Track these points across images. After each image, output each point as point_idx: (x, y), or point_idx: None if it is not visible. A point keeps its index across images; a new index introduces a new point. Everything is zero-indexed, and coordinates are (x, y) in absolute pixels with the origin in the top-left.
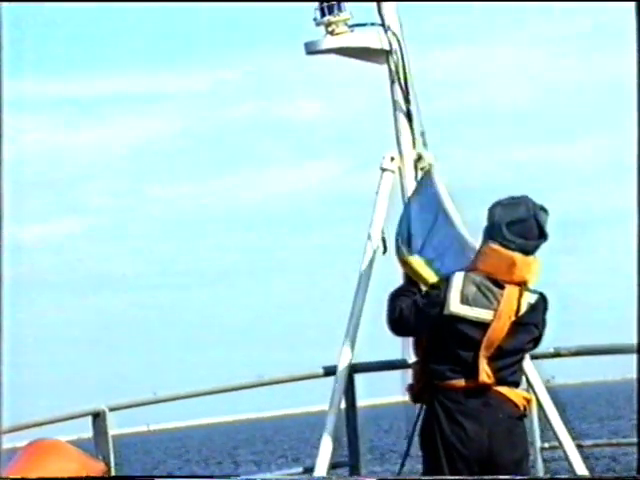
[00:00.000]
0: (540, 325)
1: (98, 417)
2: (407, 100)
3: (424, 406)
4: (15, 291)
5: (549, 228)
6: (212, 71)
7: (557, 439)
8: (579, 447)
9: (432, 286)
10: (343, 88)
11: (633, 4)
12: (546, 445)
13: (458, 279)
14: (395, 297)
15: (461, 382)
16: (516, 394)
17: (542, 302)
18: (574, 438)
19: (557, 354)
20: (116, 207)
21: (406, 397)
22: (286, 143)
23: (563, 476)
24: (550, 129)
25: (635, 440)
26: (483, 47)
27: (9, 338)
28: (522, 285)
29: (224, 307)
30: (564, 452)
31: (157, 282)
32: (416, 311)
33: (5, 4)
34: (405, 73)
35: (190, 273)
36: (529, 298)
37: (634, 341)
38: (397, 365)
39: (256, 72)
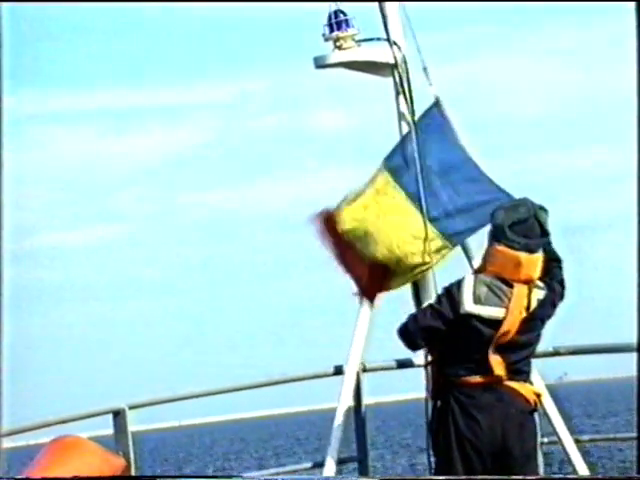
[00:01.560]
0: (547, 318)
1: (118, 415)
2: (412, 112)
3: (438, 402)
4: (52, 295)
5: (551, 227)
6: (239, 83)
7: (556, 434)
8: (577, 442)
9: (445, 289)
10: (364, 99)
11: (633, 4)
12: (545, 440)
13: (469, 281)
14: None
15: (475, 378)
16: (527, 389)
17: (550, 295)
18: (572, 433)
19: (556, 353)
20: (150, 214)
21: (413, 395)
22: (310, 151)
23: (566, 475)
24: (564, 137)
25: (631, 435)
26: (499, 58)
27: (43, 339)
28: (530, 282)
29: (254, 308)
30: (562, 447)
31: (186, 286)
32: (432, 313)
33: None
34: (410, 85)
35: (220, 276)
36: (538, 294)
37: (634, 340)
38: (404, 364)
39: (281, 84)
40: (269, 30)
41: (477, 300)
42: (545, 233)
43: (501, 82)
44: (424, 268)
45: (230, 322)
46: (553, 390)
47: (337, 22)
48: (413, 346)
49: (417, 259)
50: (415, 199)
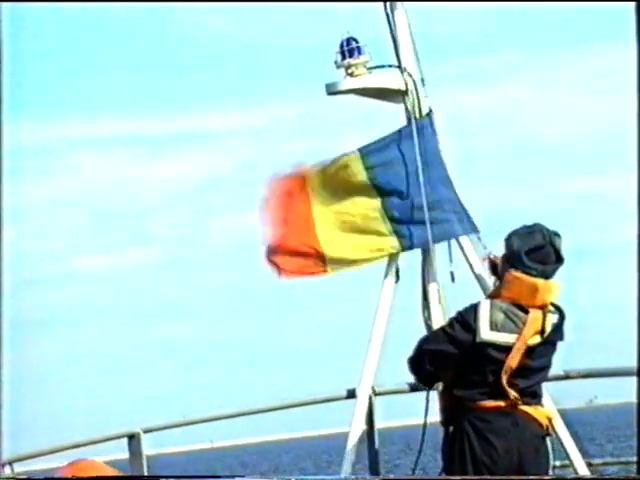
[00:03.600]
0: (560, 340)
1: (133, 439)
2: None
3: (451, 427)
4: (83, 317)
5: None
6: (271, 109)
7: (568, 458)
8: (589, 465)
9: (459, 315)
10: (388, 125)
11: (633, 4)
12: (557, 463)
13: (485, 307)
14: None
15: (490, 403)
16: (540, 413)
17: (563, 318)
18: (584, 456)
19: (567, 376)
20: (181, 238)
21: (426, 419)
22: None
23: (565, 476)
24: (595, 162)
25: None
26: (529, 85)
27: (69, 360)
28: (544, 308)
29: (276, 331)
30: (574, 470)
31: (213, 309)
32: (445, 337)
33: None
34: (420, 111)
35: (246, 300)
36: (552, 319)
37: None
38: (417, 388)
39: (312, 110)
40: (300, 57)
41: (493, 327)
42: (560, 259)
43: (538, 105)
44: (363, 263)
45: (250, 345)
46: (581, 413)
47: (349, 49)
48: (420, 372)
49: (361, 254)
50: (381, 192)
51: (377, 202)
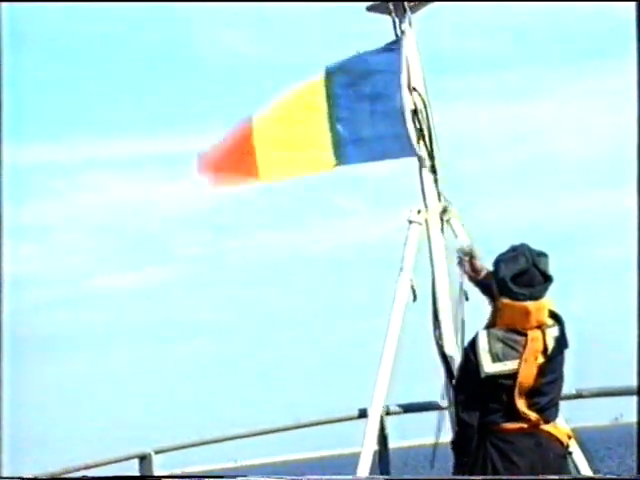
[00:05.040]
0: (565, 349)
1: (144, 459)
2: (431, 156)
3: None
4: (102, 336)
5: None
6: None
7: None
8: None
9: (465, 353)
10: None
11: (633, 4)
12: None
13: (483, 340)
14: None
15: (512, 425)
16: (560, 432)
17: (563, 327)
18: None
19: (579, 395)
20: (199, 257)
21: (438, 439)
22: (357, 196)
23: (562, 476)
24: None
25: None
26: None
27: (88, 380)
28: (542, 326)
29: (291, 350)
30: None
31: (230, 328)
32: (469, 410)
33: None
34: (430, 131)
35: (263, 318)
36: (552, 332)
37: None
38: (429, 407)
39: None
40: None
41: (495, 358)
42: (547, 278)
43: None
44: (295, 172)
45: (265, 364)
46: (607, 432)
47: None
48: (468, 452)
49: (296, 169)
50: (333, 108)
51: (326, 114)
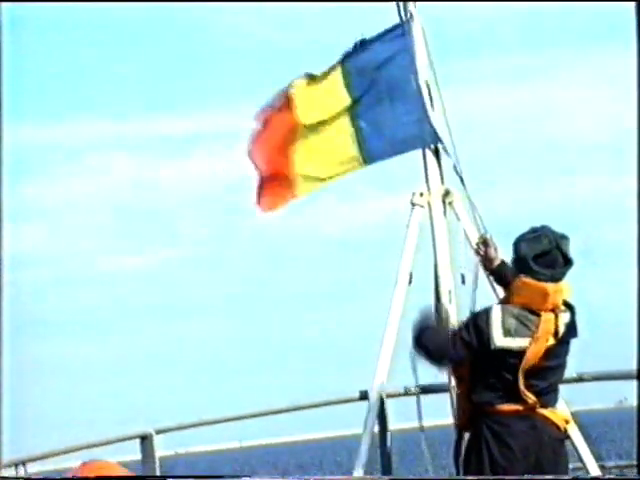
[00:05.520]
0: (573, 337)
1: (146, 439)
2: (440, 167)
3: (467, 432)
4: (112, 317)
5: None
6: None
7: (580, 460)
8: (602, 468)
9: (473, 320)
10: None
11: (633, 4)
12: (570, 466)
13: (497, 313)
14: (433, 332)
15: (508, 406)
16: (557, 416)
17: (574, 315)
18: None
19: (580, 379)
20: (210, 238)
21: (438, 422)
22: (365, 179)
23: (558, 476)
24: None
25: None
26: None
27: (95, 361)
28: (556, 309)
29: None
30: (587, 473)
31: (238, 309)
32: (461, 343)
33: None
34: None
35: (273, 300)
36: (564, 318)
37: None
38: (429, 390)
39: None
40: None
41: (507, 333)
42: (568, 261)
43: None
44: (327, 180)
45: (269, 346)
46: (610, 415)
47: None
48: (455, 354)
49: (329, 170)
50: (354, 104)
51: (348, 112)
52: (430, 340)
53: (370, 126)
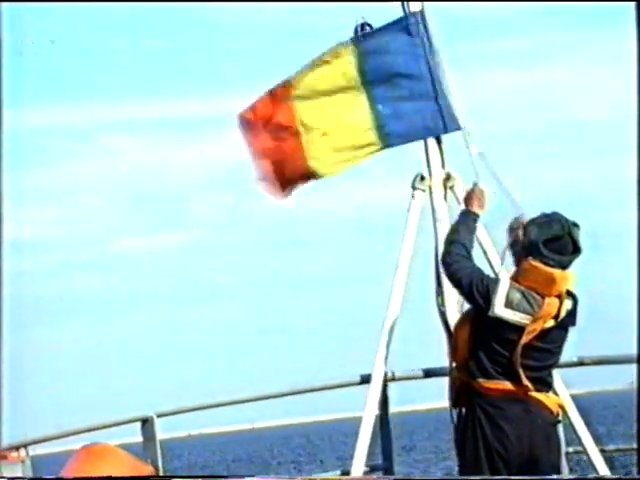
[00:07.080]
0: (572, 326)
1: (147, 423)
2: (442, 161)
3: (463, 411)
4: (120, 300)
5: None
6: None
7: (581, 444)
8: (602, 452)
9: (487, 277)
10: None
11: (633, 4)
12: (570, 449)
13: (504, 284)
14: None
15: (502, 385)
16: (551, 400)
17: (576, 304)
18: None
19: (580, 363)
20: (217, 220)
21: (439, 404)
22: (377, 161)
23: (552, 476)
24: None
25: None
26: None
27: (104, 344)
28: (561, 296)
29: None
30: (588, 456)
31: (255, 293)
32: (475, 280)
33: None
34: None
35: (283, 284)
36: (567, 305)
37: None
38: (431, 373)
39: None
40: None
41: (508, 304)
42: (578, 250)
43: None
44: (348, 163)
45: (275, 329)
46: (624, 395)
47: (363, 35)
48: (456, 281)
49: (346, 155)
50: (370, 87)
51: (364, 95)
52: (463, 267)
53: (389, 110)
